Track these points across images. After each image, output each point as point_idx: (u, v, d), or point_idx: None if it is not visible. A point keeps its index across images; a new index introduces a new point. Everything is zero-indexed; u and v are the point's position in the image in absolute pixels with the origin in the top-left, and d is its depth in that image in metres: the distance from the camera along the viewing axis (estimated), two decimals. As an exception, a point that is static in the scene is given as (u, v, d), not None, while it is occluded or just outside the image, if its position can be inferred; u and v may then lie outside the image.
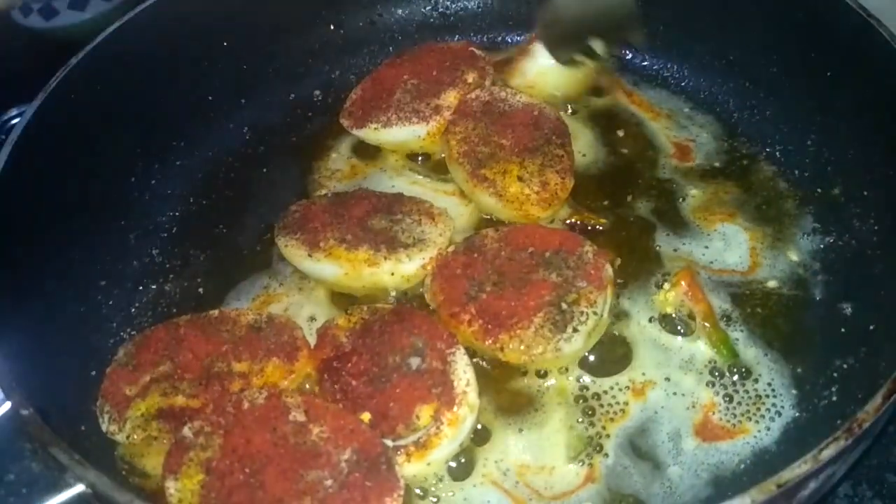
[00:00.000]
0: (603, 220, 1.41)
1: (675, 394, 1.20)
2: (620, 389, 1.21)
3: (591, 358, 1.24)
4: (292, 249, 1.33)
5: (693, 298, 1.27)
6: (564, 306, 1.21)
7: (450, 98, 1.52)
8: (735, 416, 1.17)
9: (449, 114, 1.50)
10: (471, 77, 1.55)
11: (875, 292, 1.24)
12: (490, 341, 1.19)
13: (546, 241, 1.29)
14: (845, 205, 1.37)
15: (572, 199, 1.43)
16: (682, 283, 1.28)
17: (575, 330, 1.19)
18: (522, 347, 1.18)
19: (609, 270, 1.25)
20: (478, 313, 1.21)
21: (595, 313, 1.20)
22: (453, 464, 1.15)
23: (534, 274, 1.25)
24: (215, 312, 1.26)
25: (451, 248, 1.31)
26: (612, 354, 1.25)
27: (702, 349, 1.24)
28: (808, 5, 1.43)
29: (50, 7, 1.93)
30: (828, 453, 0.85)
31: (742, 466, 1.12)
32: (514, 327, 1.19)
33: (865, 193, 1.34)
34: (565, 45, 1.54)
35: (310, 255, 1.31)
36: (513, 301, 1.22)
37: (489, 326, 1.19)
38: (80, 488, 0.96)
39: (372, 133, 1.54)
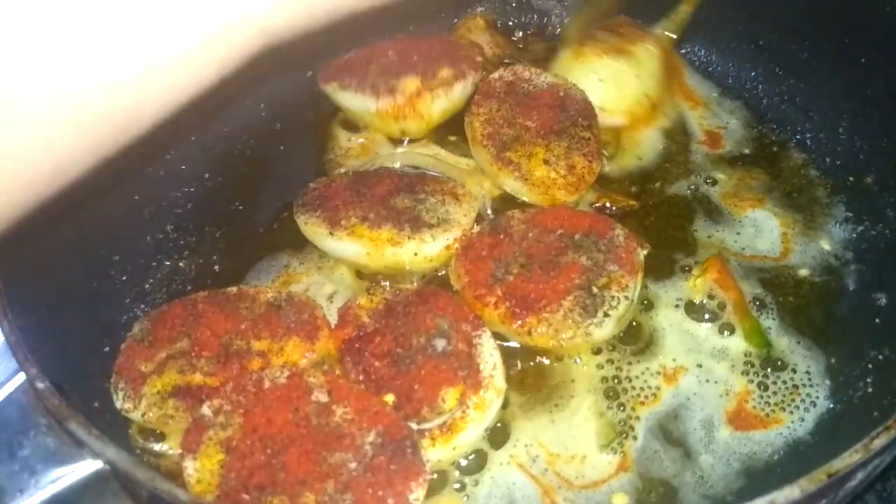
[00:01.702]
0: (633, 203, 1.37)
1: (707, 381, 1.17)
2: (652, 374, 1.18)
3: (621, 342, 1.21)
4: (312, 227, 1.29)
5: (724, 286, 1.24)
6: (595, 290, 1.18)
7: (410, 84, 1.47)
8: (769, 405, 1.14)
9: (403, 99, 1.45)
10: (445, 72, 1.49)
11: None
12: (517, 324, 1.15)
13: (575, 224, 1.25)
14: (878, 194, 1.35)
15: (599, 183, 1.39)
16: (713, 269, 1.25)
17: (606, 315, 1.16)
18: (551, 331, 1.15)
19: (640, 254, 1.22)
20: (504, 295, 1.17)
21: (626, 298, 1.17)
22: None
23: (563, 256, 1.22)
24: (233, 289, 1.22)
25: (476, 230, 1.27)
26: (641, 340, 1.22)
27: (734, 338, 1.21)
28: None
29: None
30: (879, 442, 0.82)
31: (776, 457, 1.10)
32: (543, 311, 1.16)
33: (900, 183, 1.32)
34: None
35: (331, 234, 1.27)
36: (541, 284, 1.18)
37: (517, 309, 1.16)
38: (97, 464, 0.93)
39: (331, 91, 1.52)
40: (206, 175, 1.52)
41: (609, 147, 1.45)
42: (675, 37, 1.58)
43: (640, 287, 1.22)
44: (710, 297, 1.24)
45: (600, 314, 1.16)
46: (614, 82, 1.45)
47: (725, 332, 1.21)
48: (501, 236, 1.24)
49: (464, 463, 1.11)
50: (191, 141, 1.54)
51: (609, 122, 1.46)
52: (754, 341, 1.19)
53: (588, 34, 1.51)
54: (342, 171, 1.49)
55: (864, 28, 1.39)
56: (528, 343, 1.17)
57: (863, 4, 1.38)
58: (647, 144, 1.49)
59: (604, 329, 1.15)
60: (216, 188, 1.51)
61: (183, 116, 1.51)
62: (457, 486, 1.09)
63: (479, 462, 1.11)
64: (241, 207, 1.47)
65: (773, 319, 1.23)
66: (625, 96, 1.46)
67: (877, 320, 1.21)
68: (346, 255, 1.29)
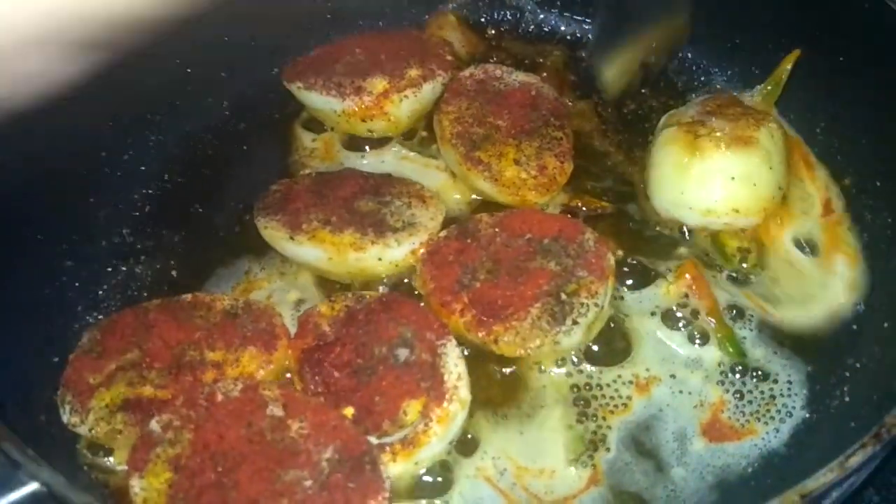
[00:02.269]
0: (606, 204, 1.33)
1: (681, 392, 1.13)
2: (624, 384, 1.14)
3: (591, 350, 1.17)
4: (272, 231, 1.24)
5: (698, 292, 1.20)
6: (564, 297, 1.14)
7: (377, 85, 1.42)
8: (745, 414, 1.11)
9: (370, 99, 1.41)
10: (413, 72, 1.44)
11: (889, 289, 1.18)
12: (483, 333, 1.11)
13: (545, 228, 1.21)
14: (857, 196, 1.31)
15: (571, 185, 1.35)
16: (687, 275, 1.22)
17: (575, 322, 1.11)
18: (518, 340, 1.10)
19: (611, 259, 1.18)
20: (471, 302, 1.13)
21: (596, 305, 1.13)
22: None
23: (531, 262, 1.17)
24: (188, 297, 1.17)
25: (442, 234, 1.22)
26: (612, 348, 1.18)
27: (709, 347, 1.17)
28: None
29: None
30: (855, 460, 0.78)
31: (749, 470, 1.07)
32: (510, 318, 1.11)
33: (878, 185, 1.28)
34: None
35: (291, 238, 1.22)
36: (508, 290, 1.14)
37: (483, 317, 1.12)
38: (34, 486, 0.87)
39: (296, 91, 1.47)
40: (166, 176, 1.47)
41: (751, 255, 1.27)
42: (774, 101, 1.45)
43: (612, 293, 1.18)
44: (684, 305, 1.20)
45: (569, 322, 1.11)
46: (746, 179, 1.23)
47: (699, 341, 1.18)
48: (469, 241, 1.20)
49: (429, 479, 1.06)
50: (150, 141, 1.49)
51: (743, 223, 1.26)
52: (729, 350, 1.16)
53: (694, 120, 1.30)
54: (306, 172, 1.44)
55: (842, 28, 1.35)
56: (494, 352, 1.13)
57: (841, 4, 1.34)
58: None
59: (572, 337, 1.11)
60: (176, 190, 1.45)
61: (144, 112, 1.49)
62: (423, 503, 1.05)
63: (445, 477, 1.06)
64: (201, 210, 1.41)
65: (750, 330, 1.19)
66: (760, 193, 1.24)
67: (854, 327, 1.17)
68: (308, 261, 1.24)
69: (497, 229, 1.21)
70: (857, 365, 1.12)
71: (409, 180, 1.34)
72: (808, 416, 1.10)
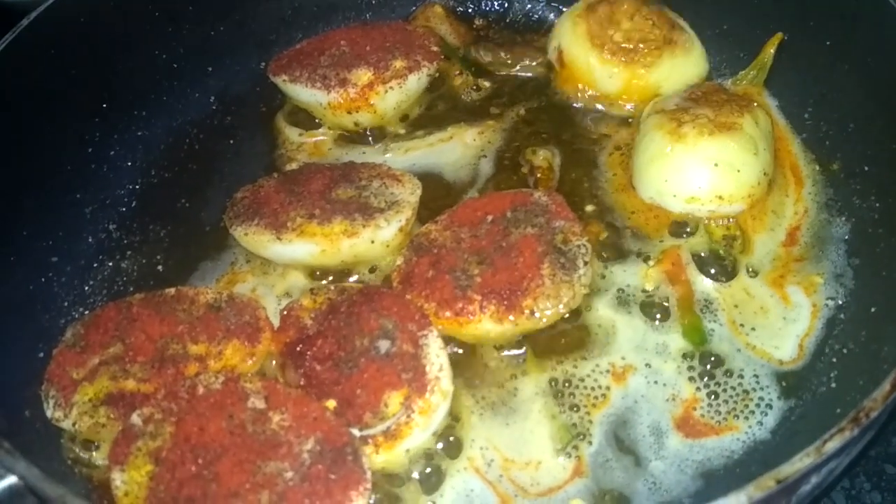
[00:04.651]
0: (604, 234, 1.30)
1: (655, 382, 1.13)
2: (601, 373, 1.14)
3: (568, 340, 1.17)
4: (255, 237, 1.23)
5: (675, 278, 1.20)
6: (561, 247, 1.15)
7: (362, 76, 1.42)
8: (720, 413, 1.10)
9: (355, 91, 1.40)
10: (398, 63, 1.44)
11: (876, 273, 1.17)
12: (515, 315, 1.10)
13: (498, 206, 1.23)
14: (845, 181, 1.30)
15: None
16: (668, 261, 1.21)
17: (585, 262, 1.14)
18: (551, 302, 1.11)
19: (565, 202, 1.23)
20: (484, 297, 1.11)
21: (587, 242, 1.17)
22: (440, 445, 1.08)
23: (510, 236, 1.18)
24: (172, 290, 1.17)
25: (399, 261, 1.20)
26: (588, 334, 1.17)
27: (674, 334, 1.17)
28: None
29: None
30: (832, 445, 0.77)
31: (735, 458, 1.05)
32: (531, 289, 1.11)
33: (866, 169, 1.27)
34: None
35: (278, 238, 1.21)
36: (509, 268, 1.14)
37: (506, 301, 1.10)
38: (12, 479, 0.87)
39: (281, 84, 1.47)
40: (153, 171, 1.47)
41: (737, 242, 1.25)
42: (761, 86, 1.44)
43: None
44: (660, 293, 1.20)
45: (581, 263, 1.14)
46: (730, 166, 1.21)
47: (668, 328, 1.17)
48: (435, 251, 1.18)
49: (419, 473, 1.06)
50: (137, 135, 1.49)
51: (728, 210, 1.24)
52: (692, 338, 1.15)
53: (678, 108, 1.29)
54: (294, 165, 1.44)
55: (829, 11, 1.34)
56: (530, 331, 1.14)
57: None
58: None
59: (588, 276, 1.14)
60: (162, 184, 1.45)
61: (130, 107, 1.49)
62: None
63: (436, 470, 1.06)
64: (187, 205, 1.41)
65: (720, 325, 1.18)
66: (744, 179, 1.22)
67: (842, 315, 1.16)
68: (297, 258, 1.23)
69: (454, 228, 1.21)
70: (844, 350, 1.11)
71: (374, 163, 1.34)
72: (792, 405, 1.09)
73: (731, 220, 1.26)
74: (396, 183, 1.28)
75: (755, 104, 1.29)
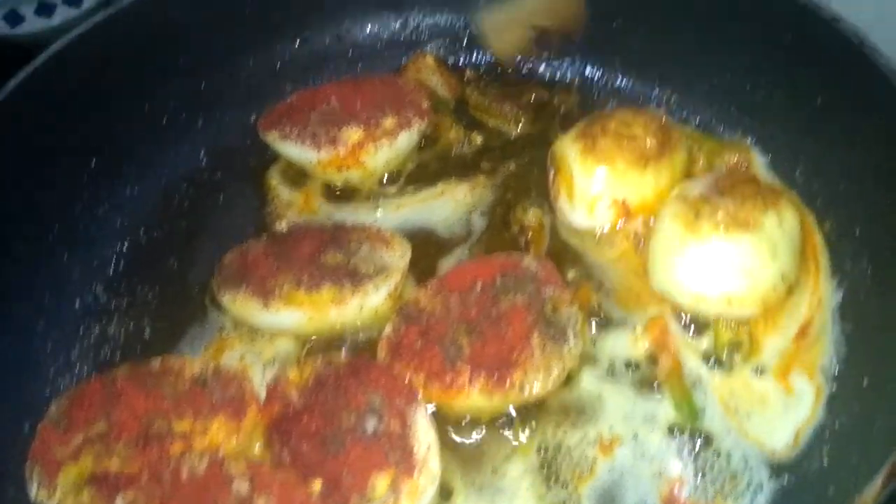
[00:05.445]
0: (594, 298, 1.28)
1: (642, 456, 1.11)
2: (589, 444, 1.12)
3: (557, 409, 1.16)
4: (243, 304, 1.22)
5: (662, 348, 1.18)
6: (550, 317, 1.15)
7: (352, 135, 1.41)
8: (707, 494, 1.08)
9: (345, 150, 1.39)
10: (389, 122, 1.43)
11: (869, 342, 1.15)
12: (503, 389, 1.09)
13: (487, 271, 1.22)
14: (837, 242, 1.28)
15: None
16: (655, 329, 1.20)
17: (575, 334, 1.14)
18: (541, 376, 1.10)
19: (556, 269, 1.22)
20: (474, 369, 1.10)
21: (577, 310, 1.17)
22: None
23: (499, 304, 1.17)
24: (157, 362, 1.16)
25: (388, 330, 1.18)
26: (579, 403, 1.16)
27: (664, 405, 1.15)
28: (796, 27, 1.34)
29: (16, 13, 1.81)
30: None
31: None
32: (520, 361, 1.10)
33: (858, 231, 1.26)
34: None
35: (266, 307, 1.20)
36: (499, 339, 1.13)
37: (496, 375, 1.09)
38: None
39: (272, 141, 1.46)
40: (141, 229, 1.46)
41: (742, 351, 1.19)
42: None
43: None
44: (650, 359, 1.19)
45: (570, 334, 1.13)
46: (743, 269, 1.14)
47: (657, 398, 1.16)
48: (424, 320, 1.17)
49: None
50: (125, 192, 1.48)
51: (737, 314, 1.18)
52: (683, 412, 1.14)
53: (701, 197, 1.21)
54: (283, 223, 1.43)
55: (819, 69, 1.33)
56: (516, 403, 1.12)
57: (818, 45, 1.32)
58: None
59: (579, 347, 1.13)
60: (151, 243, 1.44)
61: (119, 163, 1.48)
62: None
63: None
64: (175, 264, 1.40)
65: (713, 403, 1.16)
66: (758, 285, 1.15)
67: (835, 387, 1.15)
68: (285, 326, 1.22)
69: (443, 295, 1.19)
70: (836, 425, 1.10)
71: (363, 225, 1.33)
72: (784, 483, 1.08)
73: (740, 324, 1.20)
74: (385, 246, 1.27)
75: (784, 200, 1.21)
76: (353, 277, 1.21)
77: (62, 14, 1.81)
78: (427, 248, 1.37)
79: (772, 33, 1.39)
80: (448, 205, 1.45)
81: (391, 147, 1.42)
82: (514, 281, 1.19)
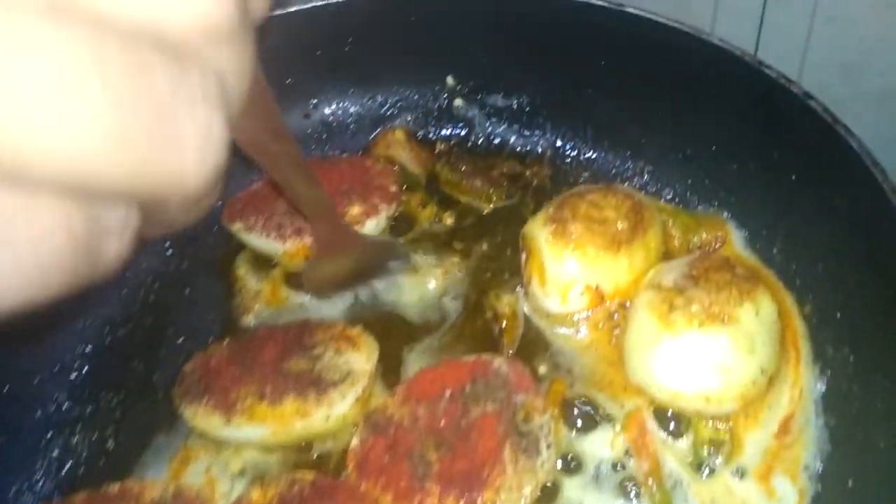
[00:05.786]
0: (568, 392, 1.23)
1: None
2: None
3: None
4: (204, 419, 1.18)
5: (640, 448, 1.14)
6: (522, 429, 1.10)
7: None
8: None
9: (311, 240, 1.35)
10: (356, 209, 1.40)
11: (852, 438, 1.11)
12: None
13: (457, 377, 1.17)
14: (818, 327, 1.24)
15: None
16: (634, 427, 1.16)
17: (548, 446, 1.09)
18: (514, 494, 1.05)
19: (528, 371, 1.18)
20: (443, 487, 1.06)
21: (551, 418, 1.12)
22: None
23: (469, 414, 1.12)
24: (115, 487, 1.12)
25: (355, 442, 1.14)
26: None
27: None
28: (767, 102, 1.31)
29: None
30: None
31: None
32: (491, 478, 1.06)
33: (839, 316, 1.21)
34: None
35: (228, 422, 1.16)
36: (469, 452, 1.09)
37: (466, 492, 1.05)
38: None
39: (236, 231, 1.44)
40: (106, 330, 1.41)
41: (723, 450, 1.14)
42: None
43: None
44: (628, 460, 1.14)
45: (544, 447, 1.08)
46: (719, 365, 1.10)
47: (639, 501, 1.11)
48: (391, 431, 1.13)
49: None
50: (89, 293, 1.43)
51: (716, 411, 1.14)
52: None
53: (674, 286, 1.17)
54: (249, 317, 1.39)
55: (793, 144, 1.30)
56: None
57: (791, 121, 1.29)
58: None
59: (552, 460, 1.09)
60: (115, 345, 1.40)
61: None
62: None
63: None
64: (140, 366, 1.36)
65: (691, 501, 1.11)
66: (736, 380, 1.10)
67: (819, 487, 1.11)
68: (250, 439, 1.18)
69: (411, 403, 1.15)
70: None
71: (329, 322, 1.30)
72: None
73: (721, 420, 1.15)
74: (351, 348, 1.23)
75: (760, 288, 1.17)
76: (317, 386, 1.17)
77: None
78: (399, 334, 1.34)
79: (744, 107, 1.36)
80: (420, 289, 1.42)
81: (359, 234, 1.39)
82: (483, 387, 1.15)
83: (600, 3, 1.43)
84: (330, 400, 1.17)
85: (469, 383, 1.16)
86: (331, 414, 1.16)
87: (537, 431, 1.10)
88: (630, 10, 1.41)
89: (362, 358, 1.22)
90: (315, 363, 1.21)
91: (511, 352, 1.29)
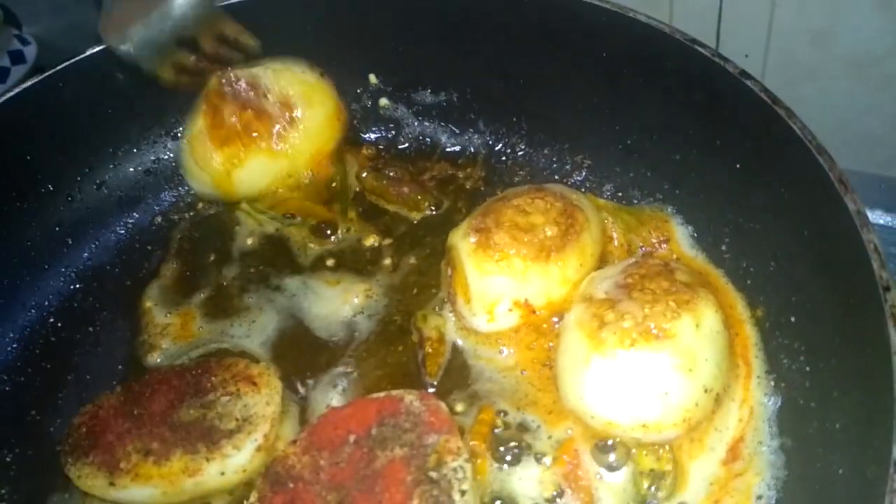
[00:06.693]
0: (498, 423, 1.12)
1: None
2: None
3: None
4: (88, 480, 1.05)
5: (574, 484, 1.02)
6: (433, 475, 0.97)
7: None
8: None
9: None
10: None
11: (810, 462, 0.98)
12: None
13: (362, 419, 1.04)
14: (770, 332, 1.11)
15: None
16: (565, 458, 1.04)
17: (462, 493, 0.95)
18: None
19: (445, 407, 1.03)
20: None
21: (466, 460, 0.98)
22: None
23: (374, 463, 1.00)
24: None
25: (253, 499, 1.01)
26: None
27: None
28: (704, 83, 1.18)
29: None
30: None
31: None
32: None
33: (793, 320, 1.08)
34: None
35: (112, 484, 1.04)
36: None
37: None
38: None
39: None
40: (5, 377, 1.30)
41: (665, 482, 1.01)
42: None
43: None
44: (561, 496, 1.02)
45: (457, 496, 0.95)
46: (655, 388, 0.98)
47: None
48: (291, 485, 1.00)
49: None
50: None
51: (656, 439, 1.01)
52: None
53: (606, 298, 1.05)
54: (156, 355, 1.28)
55: (735, 131, 1.17)
56: None
57: (733, 105, 1.16)
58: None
59: None
60: (12, 391, 1.29)
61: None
62: None
63: None
64: (38, 417, 1.25)
65: None
66: (675, 403, 0.98)
67: (772, 509, 0.98)
68: (138, 501, 1.06)
69: (313, 452, 1.03)
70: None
71: (231, 359, 1.17)
72: None
73: (662, 448, 1.02)
74: (252, 389, 1.11)
75: (701, 297, 1.03)
76: (209, 439, 1.05)
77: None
78: (312, 360, 1.24)
79: (681, 90, 1.23)
80: (337, 308, 1.30)
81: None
82: (392, 429, 1.02)
83: (524, -14, 1.30)
84: (223, 454, 1.04)
85: (375, 426, 1.03)
86: (226, 469, 1.04)
87: (451, 476, 0.97)
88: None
89: (262, 401, 1.09)
90: (208, 411, 1.09)
91: (434, 382, 1.17)
